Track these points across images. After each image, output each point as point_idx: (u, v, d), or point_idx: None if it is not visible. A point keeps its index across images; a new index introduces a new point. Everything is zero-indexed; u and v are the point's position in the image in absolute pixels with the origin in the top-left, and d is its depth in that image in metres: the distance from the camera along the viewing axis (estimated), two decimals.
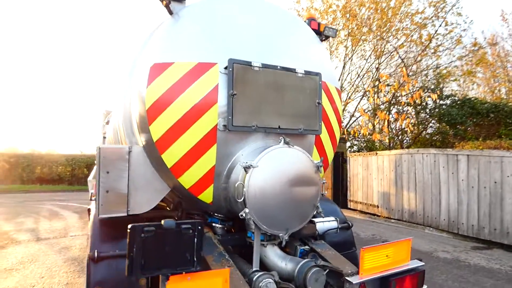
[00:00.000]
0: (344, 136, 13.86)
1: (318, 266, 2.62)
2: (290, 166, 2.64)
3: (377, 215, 10.85)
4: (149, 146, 2.68)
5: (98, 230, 2.84)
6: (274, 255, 2.85)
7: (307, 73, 2.96)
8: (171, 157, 2.62)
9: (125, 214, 2.75)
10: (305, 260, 2.71)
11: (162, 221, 1.85)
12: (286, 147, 2.64)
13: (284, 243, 2.64)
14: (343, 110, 16.95)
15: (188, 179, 2.68)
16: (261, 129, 2.74)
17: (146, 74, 2.59)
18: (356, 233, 8.53)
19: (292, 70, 2.88)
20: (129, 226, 1.80)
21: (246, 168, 2.46)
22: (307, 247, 3.07)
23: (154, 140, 2.58)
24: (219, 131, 2.68)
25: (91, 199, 2.75)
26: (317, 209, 2.77)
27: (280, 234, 2.62)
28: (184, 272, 1.94)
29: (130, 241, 1.77)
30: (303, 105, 2.94)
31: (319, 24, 3.49)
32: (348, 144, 15.18)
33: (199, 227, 1.96)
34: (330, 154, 3.41)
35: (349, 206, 12.20)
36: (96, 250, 2.56)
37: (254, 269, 2.60)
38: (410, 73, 13.64)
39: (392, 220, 10.14)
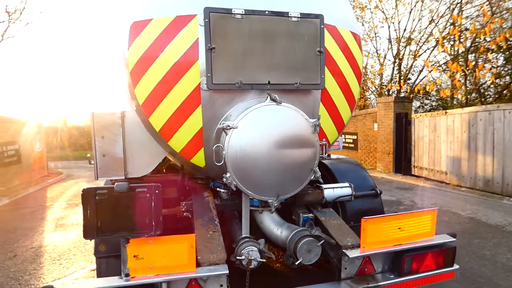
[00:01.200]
0: (410, 95, 12.30)
1: (313, 236, 2.36)
2: (277, 126, 2.33)
3: (445, 183, 9.62)
4: (138, 110, 2.64)
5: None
6: (271, 222, 2.67)
7: (304, 16, 2.51)
8: (158, 120, 2.53)
9: (123, 177, 2.84)
10: (299, 228, 2.47)
11: (115, 184, 1.79)
12: (273, 105, 2.32)
13: (273, 209, 2.42)
14: (411, 65, 14.95)
15: (177, 143, 2.59)
16: (246, 86, 2.45)
17: (127, 35, 2.49)
18: (413, 202, 7.73)
19: (284, 14, 2.46)
20: (82, 189, 1.79)
21: (225, 129, 2.26)
22: (311, 215, 2.80)
23: (140, 104, 2.51)
24: (202, 91, 2.48)
25: (90, 163, 2.87)
26: (315, 174, 2.44)
27: (270, 201, 2.40)
28: (145, 236, 1.90)
29: (84, 204, 1.77)
30: (299, 55, 2.53)
31: None
32: (417, 104, 13.48)
33: (156, 191, 1.86)
34: (345, 112, 2.95)
35: (412, 173, 11.06)
36: None
37: (243, 235, 2.47)
38: (502, 12, 11.06)
39: (463, 189, 8.88)
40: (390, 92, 15.30)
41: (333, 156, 4.31)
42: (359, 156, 13.89)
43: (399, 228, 2.33)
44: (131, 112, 2.78)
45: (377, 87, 16.22)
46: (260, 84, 2.48)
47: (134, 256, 1.89)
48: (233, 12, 2.37)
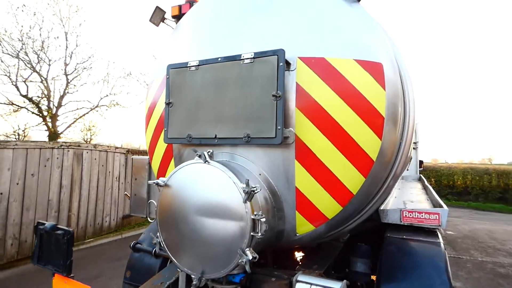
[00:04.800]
0: None
1: None
2: (200, 188, 1.98)
3: None
4: None
5: (150, 226, 3.50)
6: None
7: (259, 55, 2.04)
8: (154, 167, 2.80)
9: (145, 216, 3.23)
10: None
11: (46, 223, 2.19)
12: (199, 163, 2.01)
13: None
14: None
15: None
16: (195, 140, 2.25)
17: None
18: None
19: (237, 58, 2.11)
20: (37, 222, 2.30)
21: (158, 186, 2.17)
22: None
23: (147, 149, 2.87)
24: (174, 146, 2.52)
25: (129, 199, 3.49)
26: (243, 257, 1.81)
27: (193, 276, 2.01)
28: (63, 275, 2.15)
29: (36, 235, 2.27)
30: (250, 103, 2.06)
31: None
32: None
33: (69, 236, 2.09)
34: (348, 175, 2.01)
35: None
36: (133, 242, 3.22)
37: None
38: None
39: None
40: None
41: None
42: None
43: None
44: None
45: None
46: (208, 138, 2.21)
47: None
48: (188, 65, 2.31)
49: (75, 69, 16.84)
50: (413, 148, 11.19)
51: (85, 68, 17.02)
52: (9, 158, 5.52)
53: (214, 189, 1.94)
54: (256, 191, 1.82)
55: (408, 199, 4.90)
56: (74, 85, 17.00)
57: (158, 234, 2.15)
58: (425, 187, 6.93)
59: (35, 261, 2.29)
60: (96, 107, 17.80)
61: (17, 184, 5.67)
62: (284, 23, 2.18)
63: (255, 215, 1.82)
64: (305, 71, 2.04)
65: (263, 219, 1.81)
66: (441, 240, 2.67)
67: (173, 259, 2.08)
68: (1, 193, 5.46)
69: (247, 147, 2.16)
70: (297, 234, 2.17)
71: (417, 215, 2.95)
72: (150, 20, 2.89)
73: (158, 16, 2.88)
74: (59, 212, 6.51)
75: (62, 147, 6.50)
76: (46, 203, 6.21)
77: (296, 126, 2.04)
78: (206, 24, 2.52)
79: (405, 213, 2.95)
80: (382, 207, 3.06)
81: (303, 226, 2.14)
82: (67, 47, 16.31)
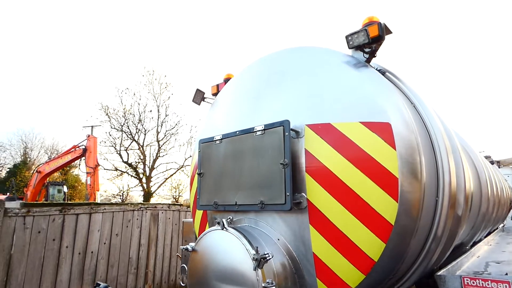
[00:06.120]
0: None
1: None
2: (219, 255, 2.12)
3: None
4: None
5: None
6: None
7: (268, 127, 2.23)
8: (196, 230, 3.06)
9: None
10: None
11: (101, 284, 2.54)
12: (219, 230, 2.17)
13: None
14: None
15: None
16: (221, 207, 2.44)
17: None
18: None
19: (251, 130, 2.34)
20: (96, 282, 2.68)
21: (186, 251, 2.37)
22: None
23: (191, 211, 3.19)
24: (208, 211, 2.76)
25: (180, 259, 3.76)
26: None
27: None
28: None
29: None
30: (262, 172, 2.20)
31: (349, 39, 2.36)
32: None
33: None
34: (366, 241, 1.93)
35: None
36: None
37: None
38: None
39: None
40: None
41: None
42: None
43: None
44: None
45: None
46: (230, 205, 2.38)
47: None
48: (214, 139, 2.61)
49: (165, 135, 19.57)
50: None
51: (172, 134, 19.66)
52: (99, 221, 6.51)
53: (230, 255, 2.05)
54: (267, 258, 1.87)
55: (495, 259, 4.13)
56: (164, 149, 19.60)
57: None
58: None
59: None
60: (181, 167, 19.96)
61: (104, 243, 6.55)
62: (294, 94, 2.37)
63: (267, 283, 1.85)
64: (313, 138, 2.14)
65: (272, 286, 1.82)
66: None
67: None
68: (92, 252, 6.35)
69: (266, 213, 2.26)
70: None
71: (482, 283, 2.52)
72: (193, 101, 3.39)
73: (198, 96, 3.37)
74: (137, 269, 7.17)
75: (141, 209, 7.39)
76: (127, 260, 6.95)
77: (308, 191, 2.09)
78: (232, 101, 2.86)
79: (467, 280, 2.56)
80: (441, 272, 2.70)
81: None
82: (158, 117, 19.30)
